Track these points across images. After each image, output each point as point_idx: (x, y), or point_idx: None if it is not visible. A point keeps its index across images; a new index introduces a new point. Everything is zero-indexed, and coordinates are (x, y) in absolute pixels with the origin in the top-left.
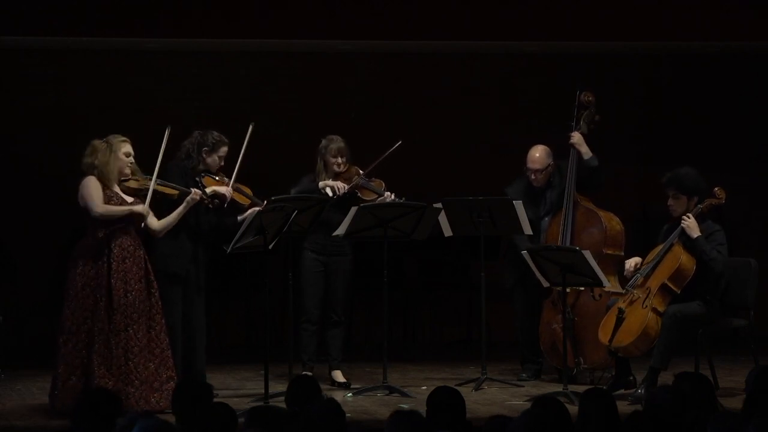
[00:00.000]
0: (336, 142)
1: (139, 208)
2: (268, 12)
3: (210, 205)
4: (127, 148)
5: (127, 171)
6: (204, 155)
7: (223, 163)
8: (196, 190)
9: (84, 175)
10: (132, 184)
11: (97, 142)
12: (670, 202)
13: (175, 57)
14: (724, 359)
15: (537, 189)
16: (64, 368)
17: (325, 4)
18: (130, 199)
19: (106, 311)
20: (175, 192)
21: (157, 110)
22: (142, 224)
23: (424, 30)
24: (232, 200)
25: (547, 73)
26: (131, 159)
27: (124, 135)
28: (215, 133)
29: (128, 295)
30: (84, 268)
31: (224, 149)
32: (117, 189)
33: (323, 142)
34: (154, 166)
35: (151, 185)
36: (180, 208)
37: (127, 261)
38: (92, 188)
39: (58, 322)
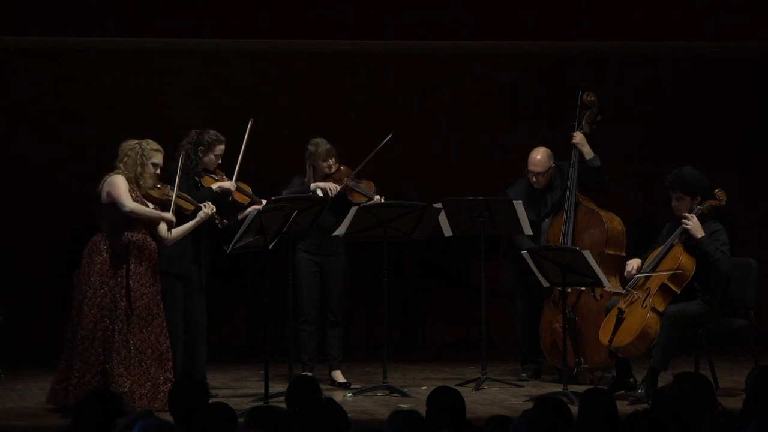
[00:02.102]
0: (323, 145)
1: (169, 215)
2: (268, 12)
3: (219, 225)
4: (159, 158)
5: (151, 182)
6: (200, 154)
7: (221, 161)
8: (209, 204)
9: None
10: (154, 192)
11: (129, 147)
12: (674, 203)
13: (175, 57)
14: (724, 359)
15: (538, 190)
16: (81, 365)
17: (325, 4)
18: (150, 206)
19: (126, 312)
20: (191, 207)
21: (157, 110)
22: (160, 228)
23: (424, 30)
24: (232, 199)
25: (547, 73)
26: (158, 169)
27: (123, 135)
28: (211, 132)
29: (144, 297)
30: (102, 267)
31: (221, 147)
32: (140, 194)
33: (310, 148)
34: (177, 183)
35: (174, 198)
36: (192, 222)
37: (143, 263)
38: (122, 186)
39: (72, 319)
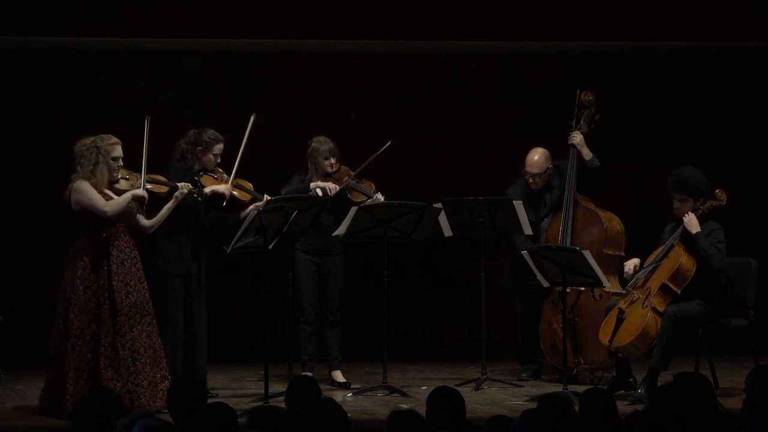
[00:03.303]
0: (326, 144)
1: (137, 191)
2: (268, 12)
3: (198, 197)
4: (117, 151)
5: (116, 175)
6: (198, 154)
7: (219, 161)
8: (184, 183)
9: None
10: (123, 185)
11: (84, 147)
12: (676, 204)
13: (175, 57)
14: (724, 359)
15: (537, 190)
16: (74, 373)
17: (325, 4)
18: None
19: (110, 314)
20: (164, 189)
21: (157, 110)
22: (138, 216)
23: (424, 30)
24: (233, 197)
25: (547, 73)
26: (120, 162)
27: (123, 135)
28: (210, 132)
29: (130, 296)
30: (84, 272)
31: (219, 147)
32: (107, 191)
33: (313, 144)
34: (144, 164)
35: (142, 185)
36: (169, 204)
37: (125, 263)
38: (90, 193)
39: (58, 327)
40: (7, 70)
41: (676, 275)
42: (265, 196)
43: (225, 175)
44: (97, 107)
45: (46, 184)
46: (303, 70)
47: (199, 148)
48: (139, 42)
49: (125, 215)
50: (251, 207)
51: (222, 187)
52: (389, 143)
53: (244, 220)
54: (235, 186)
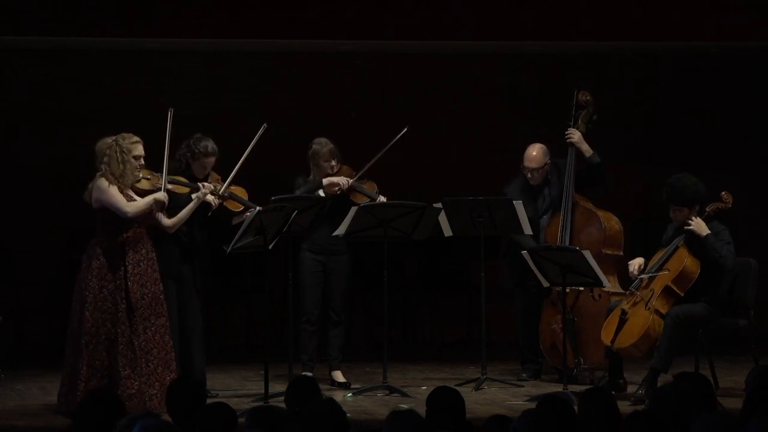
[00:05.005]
0: (326, 146)
1: (159, 195)
2: (268, 12)
3: (217, 198)
4: (139, 150)
5: (138, 174)
6: (189, 161)
7: (208, 172)
8: (206, 184)
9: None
10: (144, 185)
11: (106, 146)
12: (672, 214)
13: (175, 57)
14: (724, 359)
15: (535, 187)
16: (87, 370)
17: (325, 4)
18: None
19: (127, 314)
20: (185, 190)
21: (157, 110)
22: (159, 215)
23: (424, 30)
24: (225, 207)
25: (547, 73)
26: (141, 161)
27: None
28: (202, 144)
29: (144, 297)
30: (100, 271)
31: (209, 161)
32: (129, 192)
33: (313, 147)
34: (160, 160)
35: (163, 185)
36: (191, 204)
37: (142, 264)
38: (113, 191)
39: (72, 325)
40: (7, 70)
41: (680, 277)
42: (258, 208)
43: (221, 181)
44: (97, 107)
45: (46, 184)
46: (303, 70)
47: (189, 155)
48: (139, 42)
49: (145, 216)
50: (243, 216)
51: (210, 198)
52: (405, 130)
53: (236, 228)
54: (229, 195)
